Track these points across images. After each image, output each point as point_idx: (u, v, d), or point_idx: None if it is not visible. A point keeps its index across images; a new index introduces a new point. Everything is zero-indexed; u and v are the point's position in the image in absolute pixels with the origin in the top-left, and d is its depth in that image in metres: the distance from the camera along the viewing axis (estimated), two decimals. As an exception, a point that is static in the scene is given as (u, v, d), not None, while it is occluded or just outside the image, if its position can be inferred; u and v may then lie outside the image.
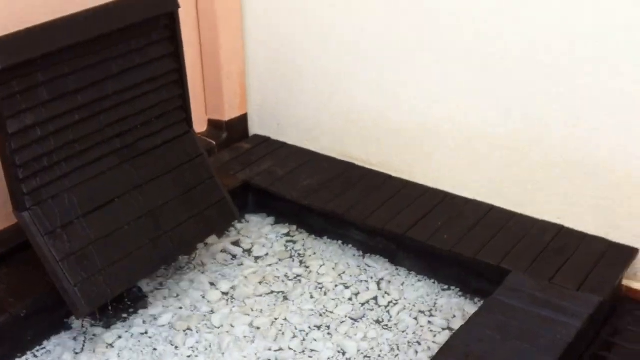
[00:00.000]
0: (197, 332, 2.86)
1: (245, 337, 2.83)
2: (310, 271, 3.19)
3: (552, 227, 3.10)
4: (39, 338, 2.83)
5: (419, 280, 3.13)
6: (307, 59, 3.62)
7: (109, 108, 2.77)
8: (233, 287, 3.10)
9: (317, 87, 3.64)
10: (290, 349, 2.78)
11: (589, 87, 2.90)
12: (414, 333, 2.85)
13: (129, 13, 2.71)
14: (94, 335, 2.85)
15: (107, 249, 2.74)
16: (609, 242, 3.00)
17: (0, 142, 2.47)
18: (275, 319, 2.93)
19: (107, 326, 2.88)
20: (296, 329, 2.88)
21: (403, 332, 2.85)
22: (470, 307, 2.96)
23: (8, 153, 2.50)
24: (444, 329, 2.88)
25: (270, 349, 2.78)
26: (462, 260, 2.98)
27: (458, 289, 3.07)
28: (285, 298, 3.04)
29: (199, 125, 3.68)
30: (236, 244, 3.39)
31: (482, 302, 2.95)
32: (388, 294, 3.05)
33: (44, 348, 2.80)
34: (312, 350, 2.77)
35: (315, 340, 2.82)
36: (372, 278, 3.14)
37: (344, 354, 2.75)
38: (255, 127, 3.95)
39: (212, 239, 3.35)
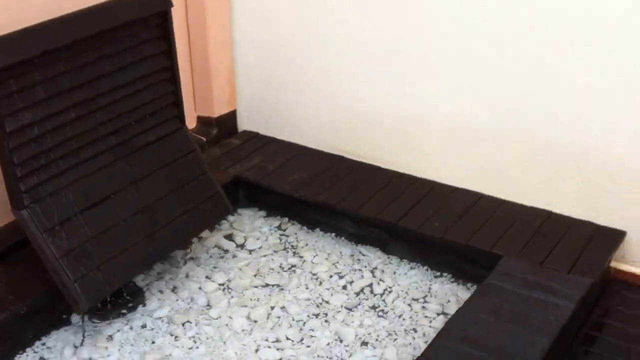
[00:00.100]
0: (196, 325, 2.90)
1: (243, 330, 2.87)
2: (305, 261, 3.24)
3: (540, 213, 3.17)
4: (39, 334, 2.85)
5: (411, 268, 3.18)
6: (294, 54, 3.67)
7: (104, 106, 2.79)
8: (229, 280, 3.14)
9: (305, 82, 3.68)
10: (287, 338, 2.83)
11: (572, 75, 2.97)
12: (410, 319, 2.91)
13: (123, 12, 2.74)
14: (93, 330, 2.88)
15: (105, 244, 2.77)
16: (597, 226, 3.08)
17: (-2, 141, 2.50)
18: (272, 307, 2.97)
19: (107, 320, 2.91)
20: (293, 319, 2.92)
21: (399, 317, 2.91)
22: (463, 293, 3.03)
23: (6, 152, 2.51)
24: (438, 315, 2.93)
25: (267, 339, 2.82)
26: (454, 247, 3.05)
27: (450, 275, 3.13)
28: (281, 289, 3.09)
29: (188, 122, 3.66)
30: (229, 237, 3.43)
31: (474, 287, 3.01)
32: (382, 282, 3.10)
33: (44, 344, 2.82)
34: (310, 337, 2.82)
35: (313, 329, 2.86)
36: (365, 267, 3.19)
37: (341, 340, 2.80)
38: (244, 123, 3.99)
39: (205, 233, 3.39)
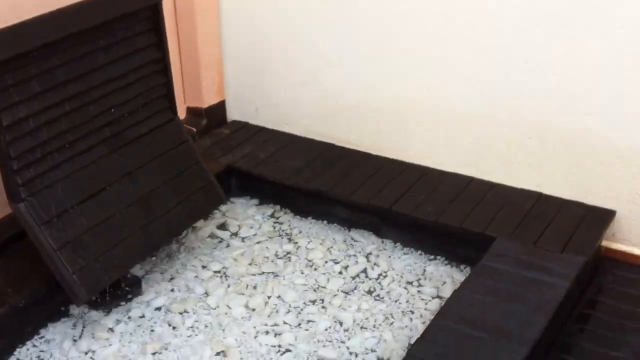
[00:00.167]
0: (194, 313, 2.92)
1: (243, 317, 2.89)
2: (299, 248, 3.26)
3: (531, 195, 3.21)
4: (38, 327, 2.86)
5: (405, 253, 3.22)
6: (282, 44, 3.68)
7: (98, 98, 2.80)
8: (225, 268, 3.16)
9: (293, 71, 3.70)
10: (285, 323, 2.86)
11: (558, 58, 3.01)
12: (406, 302, 2.94)
13: (115, 5, 2.75)
14: (92, 321, 2.89)
15: (102, 236, 2.79)
16: (587, 206, 3.12)
17: (-5, 135, 2.50)
18: (269, 294, 3.00)
19: (106, 312, 2.92)
20: (290, 306, 2.95)
21: (395, 301, 2.95)
22: (457, 275, 3.07)
23: (2, 145, 2.52)
24: (434, 297, 2.97)
25: (266, 324, 2.85)
26: (447, 230, 3.08)
27: (444, 258, 3.17)
28: (277, 276, 3.11)
29: (178, 112, 3.70)
30: (223, 226, 3.45)
31: (468, 269, 3.06)
32: (377, 266, 3.14)
33: (43, 337, 2.83)
34: (308, 322, 2.85)
35: (311, 313, 2.89)
36: (359, 252, 3.23)
37: (340, 324, 2.84)
38: (233, 113, 4.00)
39: (199, 222, 3.40)
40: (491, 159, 3.31)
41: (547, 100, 3.09)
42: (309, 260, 3.19)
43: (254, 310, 2.93)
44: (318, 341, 2.76)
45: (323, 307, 2.94)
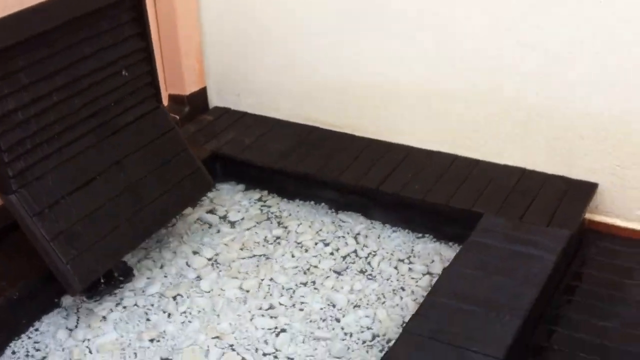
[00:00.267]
0: (188, 298, 2.94)
1: (237, 298, 2.92)
2: (289, 231, 3.29)
3: (515, 171, 3.27)
4: (32, 320, 2.87)
5: (394, 231, 3.26)
6: (262, 29, 3.69)
7: (84, 88, 2.82)
8: (216, 254, 3.18)
9: (275, 55, 3.72)
10: (281, 304, 2.89)
11: (537, 34, 3.05)
12: (397, 280, 2.99)
13: (100, -4, 2.77)
14: (86, 311, 2.90)
15: (93, 225, 2.80)
16: (570, 180, 3.19)
17: (-16, 127, 2.51)
18: (262, 278, 3.03)
19: (100, 301, 2.94)
20: (283, 287, 2.98)
21: (387, 280, 2.99)
22: (446, 252, 3.12)
23: (-7, 138, 2.53)
24: (424, 274, 3.02)
25: (261, 308, 2.88)
26: (435, 208, 3.13)
27: (432, 236, 3.22)
28: (268, 259, 3.14)
29: (160, 101, 3.73)
30: (211, 212, 3.47)
31: (456, 246, 3.11)
32: (366, 247, 3.18)
33: (37, 329, 2.84)
34: (302, 303, 2.89)
35: (304, 295, 2.93)
36: (348, 233, 3.26)
37: (334, 305, 2.87)
38: (215, 99, 4.01)
39: (187, 210, 3.41)
40: (474, 137, 3.35)
41: (527, 77, 3.14)
42: (299, 243, 3.22)
43: (248, 291, 2.96)
44: (312, 321, 2.80)
45: (315, 288, 2.97)
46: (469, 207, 3.06)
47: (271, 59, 3.73)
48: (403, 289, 2.94)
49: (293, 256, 3.15)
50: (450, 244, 3.16)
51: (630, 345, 2.59)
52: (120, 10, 2.89)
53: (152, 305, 2.93)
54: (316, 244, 3.21)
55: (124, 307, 2.93)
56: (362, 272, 3.04)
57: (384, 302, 2.88)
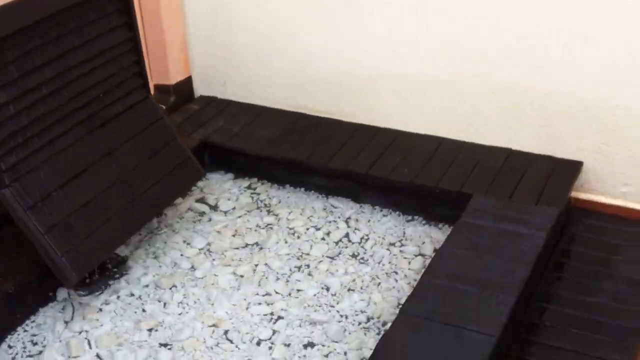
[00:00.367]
0: (183, 287, 2.96)
1: (231, 286, 2.95)
2: (280, 218, 3.32)
3: (501, 152, 3.31)
4: (28, 313, 2.87)
5: (384, 215, 3.30)
6: (246, 16, 3.70)
7: (73, 80, 2.82)
8: (209, 243, 3.20)
9: (260, 43, 3.72)
10: (277, 292, 2.92)
11: (523, 16, 3.09)
12: (389, 263, 3.02)
13: (86, -14, 2.76)
14: (81, 303, 2.91)
15: (87, 217, 2.81)
16: (556, 159, 3.24)
17: (-24, 122, 2.50)
18: (256, 265, 3.05)
19: (95, 293, 2.95)
20: (278, 273, 3.01)
21: (379, 263, 3.02)
22: (436, 233, 3.16)
23: (-16, 132, 2.53)
24: (416, 256, 3.06)
25: (257, 294, 2.90)
26: (424, 190, 3.17)
27: (422, 218, 3.26)
28: (261, 247, 3.16)
29: (146, 91, 3.73)
30: (201, 201, 3.48)
31: (446, 227, 3.15)
32: (358, 230, 3.21)
33: (34, 322, 2.85)
34: (298, 291, 2.92)
35: (299, 280, 2.96)
36: (339, 218, 3.30)
37: (328, 289, 2.91)
38: (201, 88, 4.01)
39: (178, 199, 3.42)
40: (460, 118, 3.39)
41: (512, 58, 3.18)
42: (291, 229, 3.24)
43: (242, 276, 2.99)
44: (308, 306, 2.83)
45: (309, 273, 3.00)
46: (458, 188, 3.10)
47: (256, 47, 3.74)
48: (396, 272, 2.98)
49: (286, 242, 3.17)
50: (441, 225, 3.20)
51: (620, 319, 2.64)
52: (107, 1, 2.89)
53: (148, 295, 2.94)
54: (307, 229, 3.24)
55: (118, 297, 2.94)
56: (354, 256, 3.08)
57: (378, 284, 2.92)
